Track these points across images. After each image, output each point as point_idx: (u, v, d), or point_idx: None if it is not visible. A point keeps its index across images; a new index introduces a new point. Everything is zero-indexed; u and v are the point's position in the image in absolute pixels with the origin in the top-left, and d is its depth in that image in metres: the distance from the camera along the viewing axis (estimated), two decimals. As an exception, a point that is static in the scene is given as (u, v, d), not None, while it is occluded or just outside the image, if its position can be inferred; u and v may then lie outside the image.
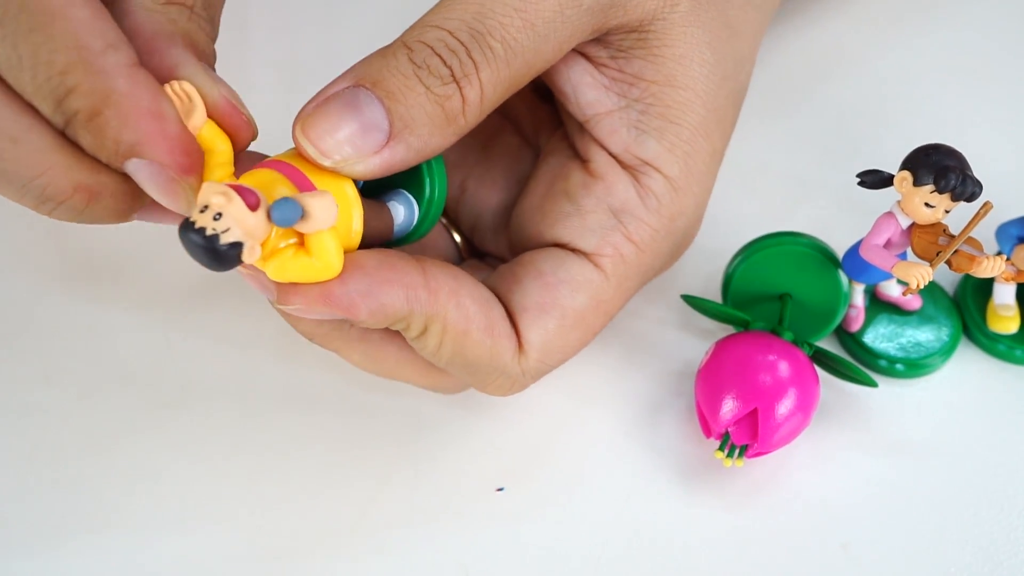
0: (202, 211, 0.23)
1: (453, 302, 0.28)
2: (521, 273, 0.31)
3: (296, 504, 0.34)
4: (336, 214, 0.25)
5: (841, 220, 0.37)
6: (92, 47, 0.24)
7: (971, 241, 0.31)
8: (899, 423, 0.35)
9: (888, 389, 0.36)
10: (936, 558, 0.32)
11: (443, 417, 0.36)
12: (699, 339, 0.37)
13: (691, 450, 0.35)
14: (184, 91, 0.25)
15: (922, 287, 0.30)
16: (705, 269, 0.38)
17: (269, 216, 0.24)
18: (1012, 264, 0.32)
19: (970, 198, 0.30)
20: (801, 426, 0.33)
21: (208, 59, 0.27)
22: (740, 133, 0.42)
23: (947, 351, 0.36)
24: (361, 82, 0.27)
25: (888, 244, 0.32)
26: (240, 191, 0.23)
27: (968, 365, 0.36)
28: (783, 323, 0.35)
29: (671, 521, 0.33)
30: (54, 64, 0.24)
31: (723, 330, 0.37)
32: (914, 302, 0.36)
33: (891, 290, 0.36)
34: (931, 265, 0.30)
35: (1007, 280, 0.31)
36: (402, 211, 0.29)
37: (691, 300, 0.35)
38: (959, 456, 0.34)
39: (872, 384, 0.34)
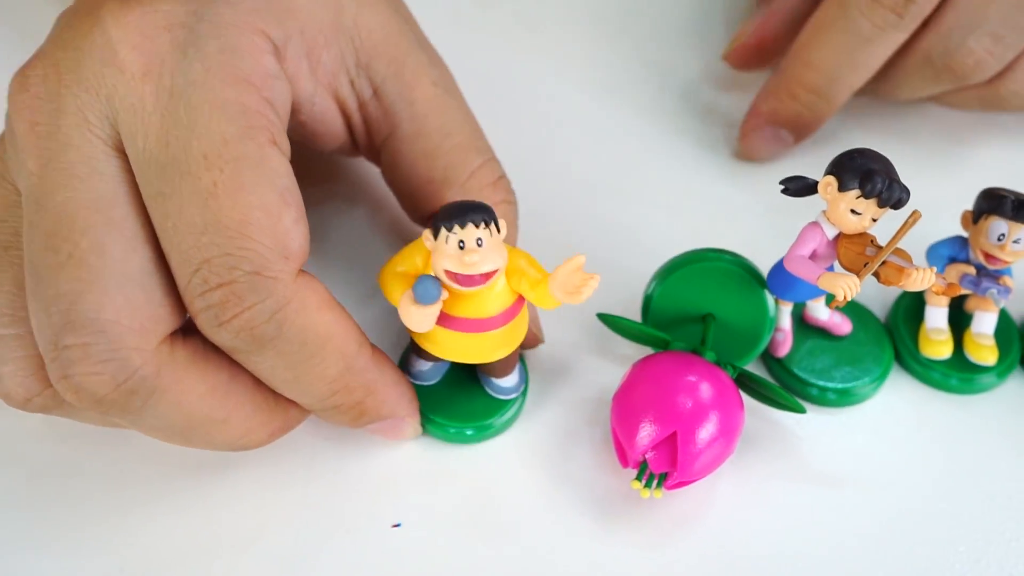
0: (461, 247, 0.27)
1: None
2: None
3: None
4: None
5: (768, 245, 0.35)
6: (350, 351, 0.28)
7: (900, 252, 0.29)
8: (830, 454, 0.33)
9: (818, 418, 0.34)
10: (871, 599, 0.30)
11: (336, 450, 0.32)
12: (616, 365, 0.34)
13: (608, 482, 0.32)
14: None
15: (849, 299, 0.28)
16: (624, 293, 0.35)
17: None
18: (943, 278, 0.30)
19: (897, 204, 0.28)
20: (724, 453, 0.30)
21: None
22: (670, 156, 0.40)
23: (879, 378, 0.34)
24: None
25: (814, 257, 0.30)
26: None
27: (901, 393, 0.34)
28: (705, 343, 0.32)
29: (587, 560, 0.30)
30: (327, 377, 0.28)
31: (642, 353, 0.34)
32: (844, 326, 0.34)
33: (820, 313, 0.34)
34: (858, 276, 0.28)
35: (938, 293, 0.30)
36: (517, 376, 0.32)
37: (607, 319, 0.33)
38: (894, 489, 0.32)
39: (800, 410, 0.31)
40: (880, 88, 0.39)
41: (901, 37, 0.36)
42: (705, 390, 0.30)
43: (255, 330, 0.26)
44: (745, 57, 0.41)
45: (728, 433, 0.30)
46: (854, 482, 0.32)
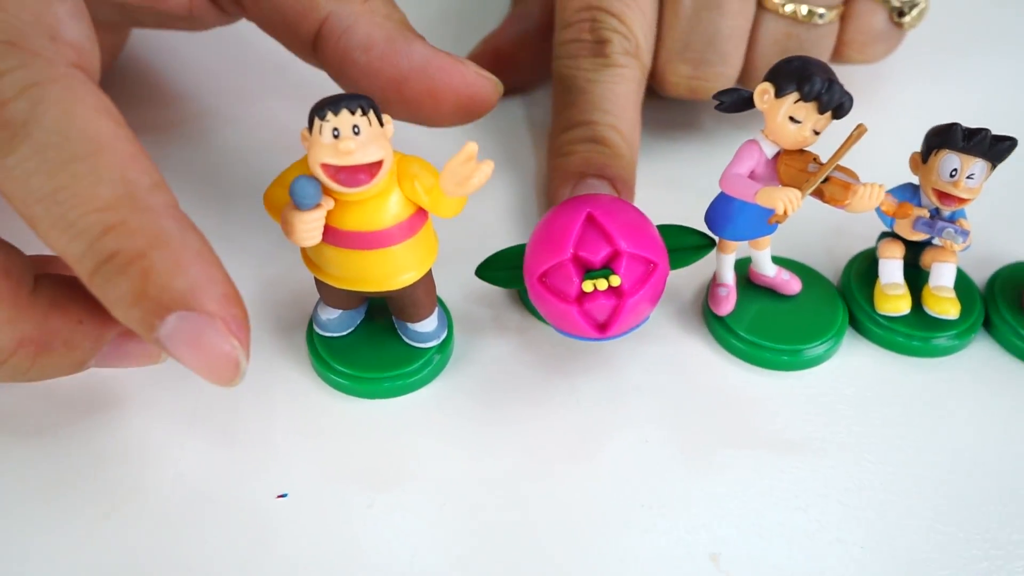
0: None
1: None
2: None
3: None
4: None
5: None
6: (139, 183, 0.22)
7: (845, 170, 0.27)
8: (784, 419, 0.29)
9: (771, 382, 0.30)
10: (827, 568, 0.26)
11: (227, 403, 0.28)
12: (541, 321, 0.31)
13: (538, 450, 0.28)
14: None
15: (791, 213, 0.25)
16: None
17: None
18: (892, 197, 0.27)
19: (839, 110, 0.26)
20: (652, 235, 0.27)
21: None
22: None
23: (834, 338, 0.31)
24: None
25: (753, 179, 0.27)
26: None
27: (858, 357, 0.31)
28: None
29: (515, 543, 0.26)
30: (97, 198, 0.21)
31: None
32: (793, 284, 0.32)
33: (766, 269, 0.31)
34: (800, 191, 0.26)
35: (887, 213, 0.27)
36: (436, 321, 0.29)
37: (486, 273, 0.30)
38: (854, 454, 0.28)
39: (709, 244, 0.30)
40: None
41: (631, 72, 0.34)
42: (601, 197, 0.28)
43: (5, 107, 0.21)
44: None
45: (641, 214, 0.27)
46: (811, 448, 0.29)
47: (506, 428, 0.28)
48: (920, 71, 0.42)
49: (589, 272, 0.26)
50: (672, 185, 0.36)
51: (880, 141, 0.32)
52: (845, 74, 0.39)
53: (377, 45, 0.28)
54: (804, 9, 0.34)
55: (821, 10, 0.35)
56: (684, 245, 0.29)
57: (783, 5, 0.34)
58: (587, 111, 0.34)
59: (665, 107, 0.40)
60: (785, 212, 0.25)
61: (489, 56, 0.39)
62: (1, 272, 0.23)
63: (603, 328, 0.26)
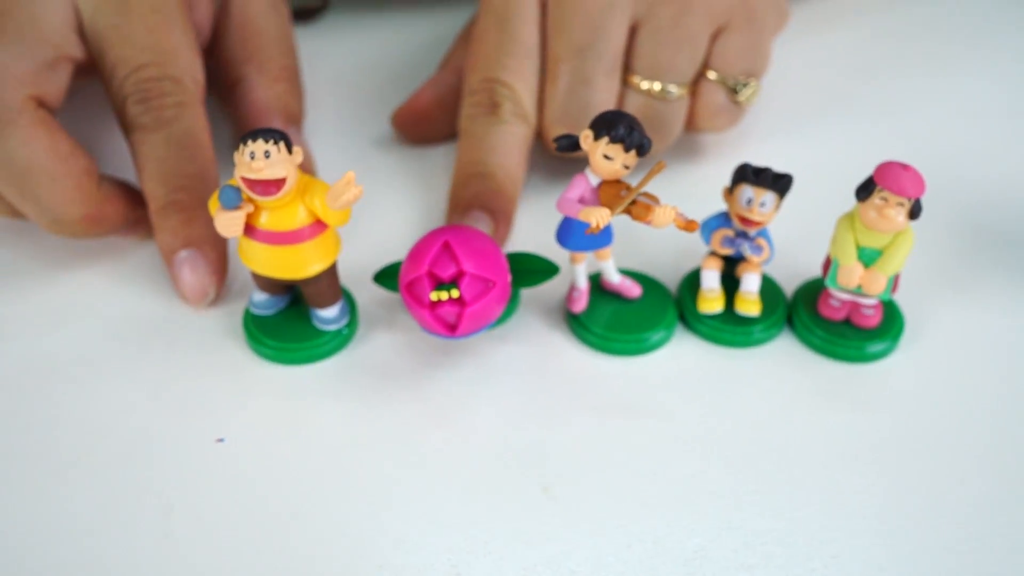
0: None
1: None
2: None
3: None
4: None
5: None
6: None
7: (650, 196, 0.35)
8: (617, 393, 0.37)
9: (613, 366, 0.38)
10: (639, 504, 0.34)
11: (162, 360, 0.37)
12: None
13: (410, 414, 0.36)
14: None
15: (601, 226, 0.34)
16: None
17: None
18: (684, 215, 0.35)
19: (640, 149, 0.34)
20: (497, 256, 0.35)
21: (299, 120, 0.46)
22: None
23: (666, 328, 0.39)
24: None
25: (582, 202, 0.36)
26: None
27: (686, 347, 0.39)
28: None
29: (362, 469, 0.34)
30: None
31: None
32: (634, 290, 0.40)
33: (612, 277, 0.40)
34: (611, 210, 0.34)
35: (679, 227, 0.35)
36: (338, 310, 0.37)
37: (384, 279, 0.39)
38: (668, 418, 0.36)
39: (554, 269, 0.38)
40: None
41: (518, 130, 0.43)
42: (463, 228, 0.36)
43: (164, 110, 0.40)
44: (405, 122, 0.48)
45: (492, 244, 0.36)
46: (639, 412, 0.37)
47: (393, 394, 0.37)
48: (777, 131, 0.51)
49: (439, 286, 0.34)
50: (554, 213, 0.45)
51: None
52: (719, 137, 0.48)
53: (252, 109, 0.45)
54: (658, 86, 0.43)
55: (672, 88, 0.44)
56: (533, 268, 0.38)
57: (640, 83, 0.43)
58: (481, 155, 0.43)
59: (554, 160, 0.48)
60: (597, 225, 0.34)
61: (409, 113, 0.48)
62: (83, 171, 0.38)
63: (453, 328, 0.35)
